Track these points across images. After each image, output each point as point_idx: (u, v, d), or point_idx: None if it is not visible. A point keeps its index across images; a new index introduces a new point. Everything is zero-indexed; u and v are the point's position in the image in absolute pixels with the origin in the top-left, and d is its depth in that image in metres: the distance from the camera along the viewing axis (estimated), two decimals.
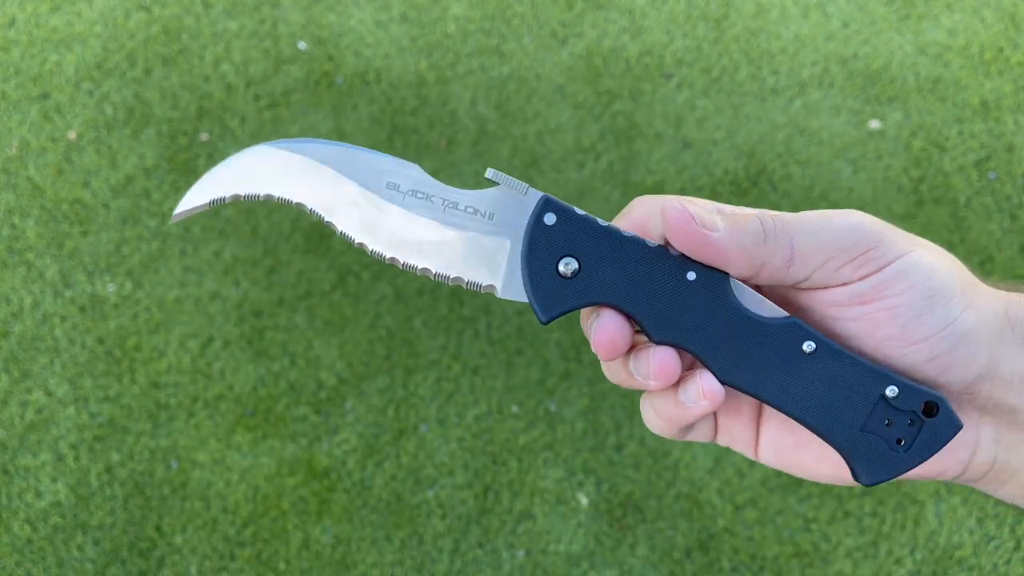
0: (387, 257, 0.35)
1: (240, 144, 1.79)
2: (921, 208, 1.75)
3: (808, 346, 0.36)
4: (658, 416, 0.39)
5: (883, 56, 1.93)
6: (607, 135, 1.82)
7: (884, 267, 0.36)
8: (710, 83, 1.89)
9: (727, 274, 0.36)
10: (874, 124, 1.85)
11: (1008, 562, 1.43)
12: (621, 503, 1.47)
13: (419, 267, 0.35)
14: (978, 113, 1.85)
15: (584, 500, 1.47)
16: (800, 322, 0.36)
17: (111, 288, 1.63)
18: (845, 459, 0.37)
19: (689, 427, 0.40)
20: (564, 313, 0.35)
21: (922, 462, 0.36)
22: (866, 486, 0.36)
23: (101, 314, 1.61)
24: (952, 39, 1.94)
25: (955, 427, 0.35)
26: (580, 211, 0.35)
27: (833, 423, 0.36)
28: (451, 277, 0.35)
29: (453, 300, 1.63)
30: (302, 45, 1.92)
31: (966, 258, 1.68)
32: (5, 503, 1.45)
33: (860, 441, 0.36)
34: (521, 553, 1.44)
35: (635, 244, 0.35)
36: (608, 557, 1.43)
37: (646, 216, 0.38)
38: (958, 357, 0.36)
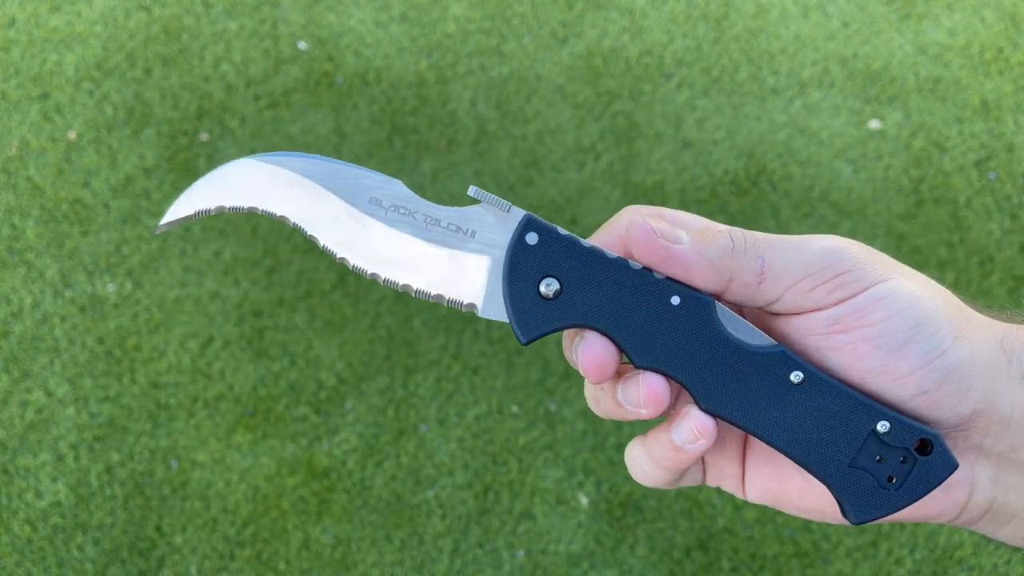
0: (368, 272, 0.35)
1: (240, 144, 1.79)
2: (921, 208, 1.75)
3: (796, 376, 0.34)
4: (656, 464, 0.37)
5: (883, 56, 1.93)
6: (607, 135, 1.82)
7: (859, 292, 0.34)
8: (710, 83, 1.89)
9: (712, 299, 0.35)
10: (874, 124, 1.85)
11: (1008, 562, 1.43)
12: (621, 503, 1.47)
13: (400, 283, 0.35)
14: (978, 113, 1.85)
15: (584, 500, 1.47)
16: (787, 351, 0.35)
17: (111, 288, 1.63)
18: (834, 495, 0.35)
19: (683, 472, 0.38)
20: (544, 335, 0.34)
21: (914, 502, 0.34)
22: (854, 524, 0.35)
23: (101, 314, 1.61)
24: (952, 39, 1.95)
25: (950, 467, 0.33)
26: (563, 231, 0.35)
27: (821, 458, 0.34)
28: (432, 294, 0.35)
29: None
30: (302, 45, 1.93)
31: (966, 258, 1.69)
32: (5, 503, 1.45)
33: (849, 477, 0.34)
34: (521, 553, 1.44)
35: (618, 266, 0.34)
36: (608, 557, 1.43)
37: (627, 224, 0.37)
38: (949, 392, 0.34)
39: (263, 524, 1.45)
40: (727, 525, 1.45)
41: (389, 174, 0.36)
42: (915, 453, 0.33)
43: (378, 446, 1.51)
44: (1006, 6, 1.98)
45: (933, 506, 0.36)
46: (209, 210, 0.35)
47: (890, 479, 0.34)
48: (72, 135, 1.80)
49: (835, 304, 0.34)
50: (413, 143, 1.80)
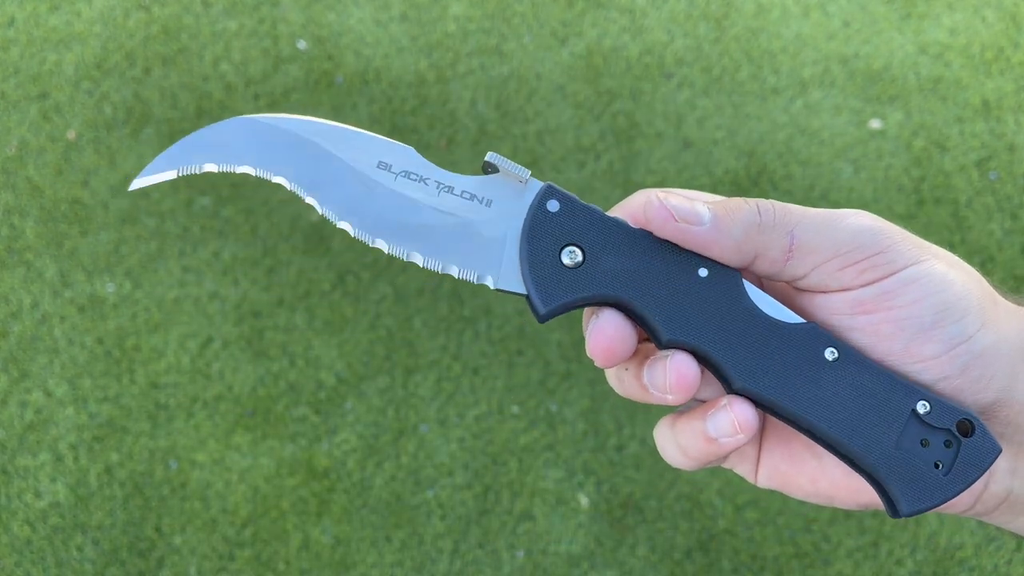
0: (372, 241, 0.32)
1: None
2: (922, 208, 1.74)
3: (831, 353, 0.33)
4: (684, 453, 0.36)
5: (884, 55, 1.92)
6: (607, 135, 1.82)
7: (891, 275, 0.33)
8: (711, 82, 1.89)
9: (739, 272, 0.33)
10: (875, 124, 1.84)
11: (1009, 563, 1.42)
12: (621, 504, 1.47)
13: (407, 254, 0.33)
14: (979, 113, 1.85)
15: (584, 501, 1.47)
16: (819, 327, 0.33)
17: (110, 288, 1.63)
18: (877, 484, 0.33)
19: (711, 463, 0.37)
20: (565, 307, 0.32)
21: (964, 489, 0.32)
22: (904, 516, 0.32)
23: (100, 314, 1.60)
24: (953, 38, 1.94)
25: (995, 450, 0.32)
26: (583, 202, 0.33)
27: (866, 441, 0.32)
28: (442, 266, 0.33)
29: (453, 300, 1.63)
30: (302, 44, 1.92)
31: (967, 258, 1.68)
32: (4, 503, 1.45)
33: (897, 462, 0.32)
34: (521, 554, 1.43)
35: (644, 236, 0.33)
36: (608, 558, 1.43)
37: (643, 204, 0.36)
38: (972, 379, 0.32)
39: (263, 524, 1.45)
40: (728, 526, 1.45)
41: None
42: (959, 435, 0.32)
43: (378, 446, 1.51)
44: (1007, 6, 1.98)
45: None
46: (195, 170, 0.32)
47: (936, 465, 0.32)
48: (71, 135, 1.79)
49: (863, 285, 0.33)
50: (413, 143, 1.80)
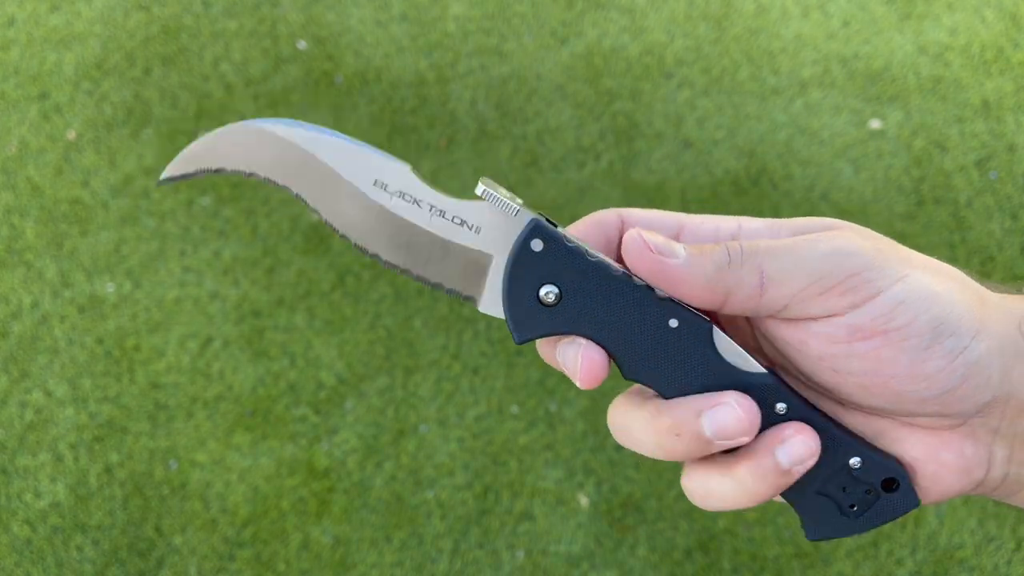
0: (369, 252, 0.34)
1: None
2: (922, 208, 1.74)
3: (780, 407, 0.34)
4: (750, 494, 0.35)
5: (884, 55, 1.92)
6: (607, 135, 1.82)
7: (874, 296, 0.33)
8: (710, 83, 1.89)
9: (711, 324, 0.34)
10: (875, 124, 1.84)
11: (1009, 562, 1.42)
12: (621, 504, 1.47)
13: (401, 267, 0.34)
14: (979, 113, 1.85)
15: (584, 501, 1.47)
16: (776, 380, 0.34)
17: (110, 288, 1.63)
18: (796, 511, 0.36)
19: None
20: (540, 337, 0.34)
21: (868, 530, 0.35)
22: (809, 540, 0.35)
23: (100, 314, 1.60)
24: (953, 38, 1.94)
25: (912, 504, 0.34)
26: (571, 241, 0.34)
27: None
28: (431, 282, 0.34)
29: (453, 300, 1.63)
30: (301, 44, 1.92)
31: (967, 258, 1.68)
32: (4, 503, 1.45)
33: (813, 502, 0.35)
34: (521, 554, 1.43)
35: (621, 282, 0.34)
36: (608, 558, 1.43)
37: (601, 221, 0.37)
38: (972, 386, 0.33)
39: (262, 524, 1.45)
40: (728, 526, 1.45)
41: None
42: (880, 489, 0.34)
43: (378, 446, 1.51)
44: (1007, 6, 1.98)
45: (953, 486, 0.35)
46: (210, 169, 0.35)
47: (852, 506, 0.35)
48: (71, 135, 1.79)
49: (851, 309, 0.33)
50: (413, 143, 1.80)
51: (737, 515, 1.46)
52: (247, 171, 0.34)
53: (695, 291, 0.34)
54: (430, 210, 0.34)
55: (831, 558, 1.43)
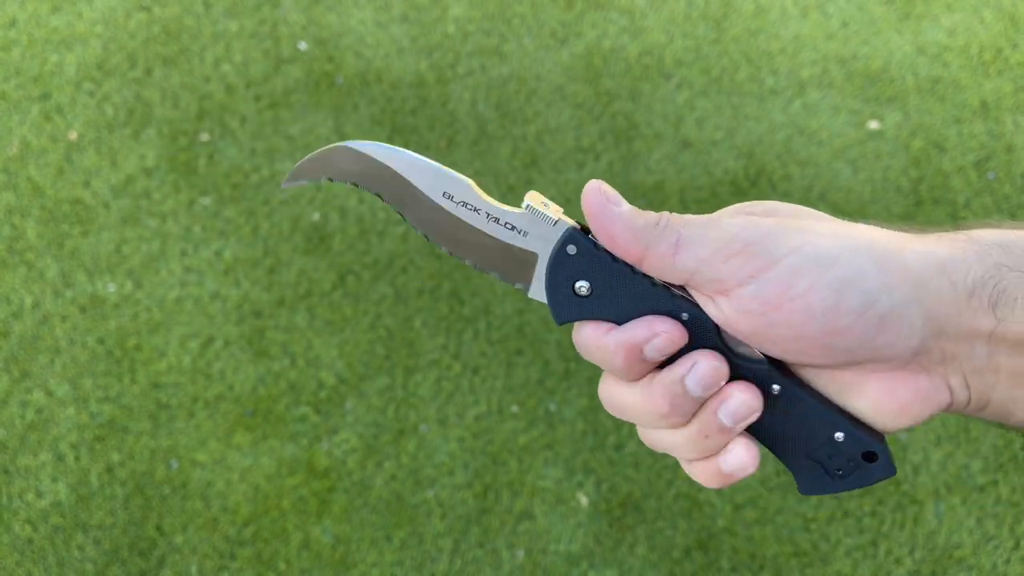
0: (441, 247, 0.43)
1: (240, 144, 1.79)
2: (920, 208, 1.75)
3: (775, 388, 0.40)
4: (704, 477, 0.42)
5: (882, 56, 1.93)
6: (607, 135, 1.82)
7: (775, 264, 0.36)
8: (709, 83, 1.89)
9: (716, 324, 0.40)
10: (873, 124, 1.85)
11: (1007, 561, 1.43)
12: (621, 503, 1.47)
13: (463, 259, 0.43)
14: (977, 113, 1.86)
15: (584, 500, 1.48)
16: (771, 366, 0.40)
17: (111, 288, 1.63)
18: (790, 471, 0.43)
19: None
20: (574, 321, 0.42)
21: (851, 490, 0.41)
22: (801, 495, 0.41)
23: (101, 314, 1.61)
24: (951, 39, 1.95)
25: (890, 473, 0.40)
26: (599, 247, 0.41)
27: (785, 448, 0.42)
28: (489, 272, 0.43)
29: (453, 300, 1.63)
30: (302, 45, 1.93)
31: None
32: (5, 503, 1.46)
33: (804, 464, 0.42)
34: (521, 553, 1.44)
35: (641, 281, 0.41)
36: (608, 557, 1.43)
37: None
38: (893, 335, 0.36)
39: (263, 524, 1.45)
40: (727, 525, 1.46)
41: None
42: (861, 459, 0.40)
43: (378, 446, 1.51)
44: (1006, 6, 1.98)
45: (923, 413, 0.39)
46: (322, 179, 0.43)
47: (837, 471, 0.41)
48: (73, 135, 1.80)
49: (751, 279, 0.37)
50: (413, 143, 1.80)
51: (736, 514, 1.47)
52: (349, 182, 0.42)
53: (623, 236, 0.39)
54: (487, 217, 0.41)
55: (830, 557, 1.43)
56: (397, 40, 1.94)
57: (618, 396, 0.42)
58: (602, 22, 1.97)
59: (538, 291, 0.42)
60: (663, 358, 0.40)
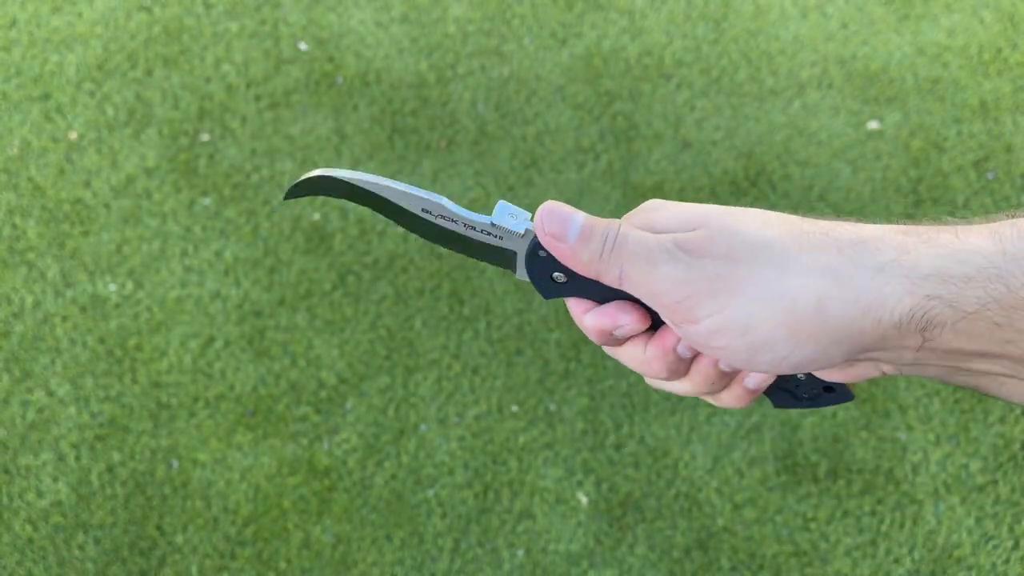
0: (435, 248, 0.49)
1: (241, 144, 1.80)
2: (920, 208, 1.75)
3: None
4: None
5: (882, 57, 1.93)
6: (607, 135, 1.83)
7: (698, 321, 0.38)
8: (709, 84, 1.90)
9: None
10: (873, 124, 1.85)
11: (1007, 561, 1.43)
12: (621, 502, 1.48)
13: (457, 252, 0.47)
14: (977, 113, 1.86)
15: (584, 499, 1.48)
16: None
17: (112, 288, 1.64)
18: (765, 394, 0.48)
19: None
20: (560, 297, 0.46)
21: (817, 408, 0.47)
22: (774, 408, 0.47)
23: (102, 314, 1.61)
24: (951, 39, 1.95)
25: (848, 398, 0.46)
26: None
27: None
28: (481, 260, 0.47)
29: (453, 300, 1.63)
30: (303, 46, 1.93)
31: None
32: (6, 502, 1.46)
33: (777, 391, 0.47)
34: (521, 552, 1.44)
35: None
36: (608, 556, 1.44)
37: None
38: (815, 368, 0.39)
39: (264, 523, 1.45)
40: (726, 524, 1.46)
41: (390, 175, 0.44)
42: (823, 391, 0.46)
43: (378, 446, 1.51)
44: (1005, 7, 1.99)
45: (859, 379, 0.43)
46: (317, 196, 0.49)
47: (804, 396, 0.47)
48: (73, 135, 1.80)
49: (677, 326, 0.40)
50: (413, 144, 1.80)
51: (736, 513, 1.47)
52: (340, 197, 0.46)
53: (579, 267, 0.41)
54: (464, 226, 0.45)
55: (829, 557, 1.44)
56: (397, 40, 1.94)
57: (618, 354, 0.45)
58: (602, 23, 1.97)
59: (523, 276, 0.46)
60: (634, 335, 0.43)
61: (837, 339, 0.37)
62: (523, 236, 0.44)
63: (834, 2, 2.00)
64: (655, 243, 0.39)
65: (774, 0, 2.00)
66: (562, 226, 0.41)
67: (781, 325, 0.37)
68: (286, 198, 0.48)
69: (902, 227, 0.38)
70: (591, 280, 0.43)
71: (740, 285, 0.38)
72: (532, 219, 0.43)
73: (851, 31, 1.97)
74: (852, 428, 1.53)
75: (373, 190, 0.45)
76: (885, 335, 0.36)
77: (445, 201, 0.45)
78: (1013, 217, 0.36)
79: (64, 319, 1.60)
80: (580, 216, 0.41)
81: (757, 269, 0.37)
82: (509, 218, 0.44)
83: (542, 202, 0.41)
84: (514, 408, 1.54)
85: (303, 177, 0.46)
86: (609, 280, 0.41)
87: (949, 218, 0.38)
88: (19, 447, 1.50)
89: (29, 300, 1.62)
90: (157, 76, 1.88)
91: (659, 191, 1.76)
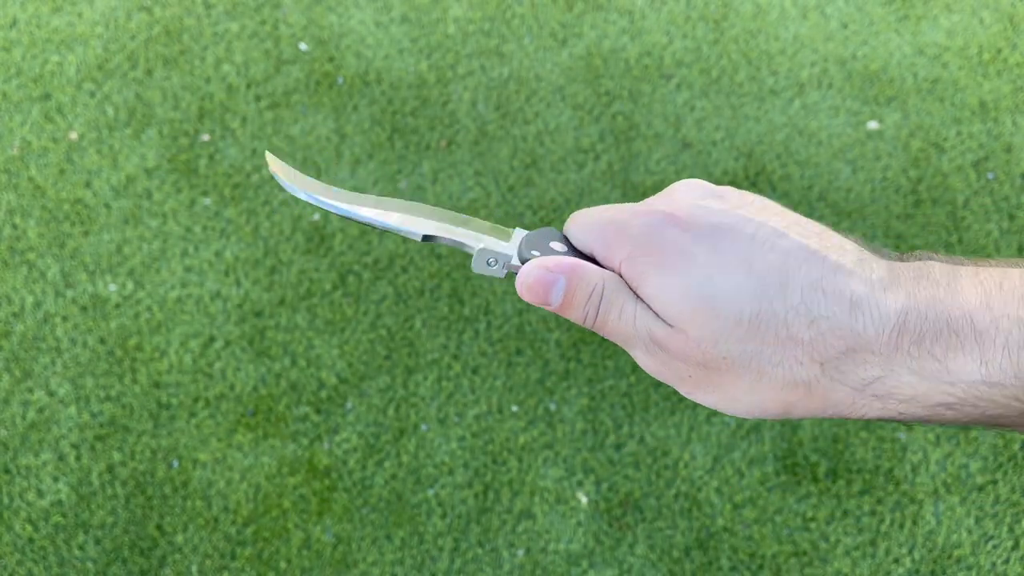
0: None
1: (241, 145, 1.80)
2: (919, 208, 1.75)
3: None
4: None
5: (882, 57, 1.93)
6: (607, 136, 1.83)
7: (679, 386, 0.40)
8: (709, 84, 1.90)
9: None
10: (873, 125, 1.85)
11: (1007, 561, 1.43)
12: (621, 502, 1.48)
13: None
14: (976, 114, 1.86)
15: (584, 499, 1.48)
16: None
17: (112, 288, 1.64)
18: None
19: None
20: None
21: None
22: None
23: (102, 314, 1.61)
24: (951, 40, 1.95)
25: None
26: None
27: None
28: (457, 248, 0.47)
29: (453, 300, 1.64)
30: (303, 46, 1.93)
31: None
32: (7, 502, 1.46)
33: None
34: (521, 552, 1.44)
35: None
36: (608, 556, 1.44)
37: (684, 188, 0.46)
38: (791, 416, 0.39)
39: (264, 523, 1.45)
40: (726, 524, 1.46)
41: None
42: None
43: (378, 445, 1.51)
44: (1004, 7, 1.99)
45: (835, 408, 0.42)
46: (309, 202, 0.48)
47: None
48: (73, 135, 1.80)
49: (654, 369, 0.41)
50: (413, 144, 1.81)
51: (736, 513, 1.47)
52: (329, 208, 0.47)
53: (571, 318, 0.42)
54: (451, 242, 0.46)
55: (829, 556, 1.44)
56: (397, 40, 1.94)
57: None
58: (602, 23, 1.97)
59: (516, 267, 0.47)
60: None
61: (801, 398, 0.38)
62: (508, 248, 0.44)
63: (834, 2, 2.00)
64: (632, 331, 0.40)
65: (774, 0, 2.00)
66: (544, 296, 0.41)
67: (748, 414, 0.40)
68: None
69: (900, 316, 0.35)
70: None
71: (712, 386, 0.39)
72: (515, 259, 0.44)
73: (851, 31, 1.97)
74: (852, 428, 1.53)
75: (344, 215, 0.45)
76: (839, 399, 0.38)
77: (419, 231, 0.45)
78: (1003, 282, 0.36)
79: (64, 319, 1.60)
80: (561, 282, 0.41)
81: (730, 380, 0.38)
82: (486, 266, 0.45)
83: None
84: (514, 408, 1.54)
85: (288, 192, 0.46)
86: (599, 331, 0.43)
87: (964, 265, 0.37)
88: (19, 447, 1.50)
89: (29, 300, 1.62)
90: (157, 76, 1.88)
91: (659, 191, 1.76)
